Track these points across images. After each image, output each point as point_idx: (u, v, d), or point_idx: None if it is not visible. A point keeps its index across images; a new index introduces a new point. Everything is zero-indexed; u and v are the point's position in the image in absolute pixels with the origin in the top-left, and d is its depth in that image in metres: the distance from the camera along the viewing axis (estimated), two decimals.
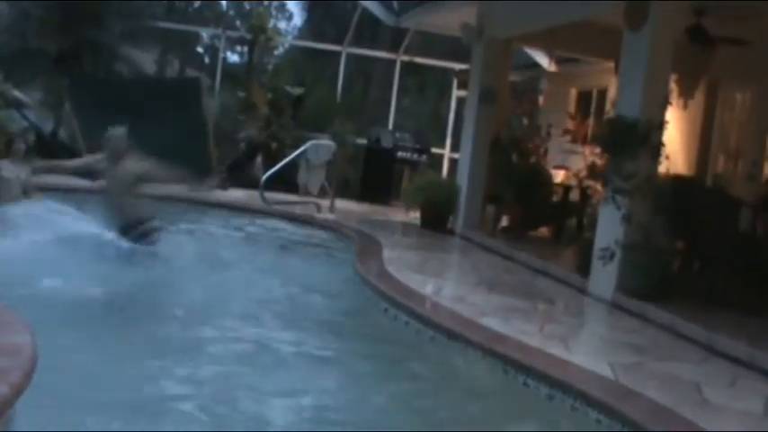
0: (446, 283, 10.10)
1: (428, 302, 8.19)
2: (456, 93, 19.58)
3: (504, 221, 13.98)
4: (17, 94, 16.80)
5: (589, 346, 7.62)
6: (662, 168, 9.57)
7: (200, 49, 23.53)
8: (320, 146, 16.05)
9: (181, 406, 5.13)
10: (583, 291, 9.60)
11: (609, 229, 9.24)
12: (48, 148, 15.19)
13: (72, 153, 12.47)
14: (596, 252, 9.38)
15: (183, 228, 11.42)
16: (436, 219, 13.98)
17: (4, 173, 10.53)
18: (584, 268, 9.77)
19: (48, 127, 16.78)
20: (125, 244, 8.68)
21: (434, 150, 19.41)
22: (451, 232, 13.85)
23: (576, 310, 9.10)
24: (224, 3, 23.30)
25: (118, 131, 9.07)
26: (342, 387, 6.01)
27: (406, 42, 19.69)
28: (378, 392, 5.93)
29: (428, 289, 8.85)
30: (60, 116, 16.54)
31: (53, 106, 17.02)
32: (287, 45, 23.13)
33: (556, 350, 6.58)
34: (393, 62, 20.12)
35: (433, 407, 5.75)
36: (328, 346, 7.07)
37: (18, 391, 3.36)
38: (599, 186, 10.43)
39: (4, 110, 16.20)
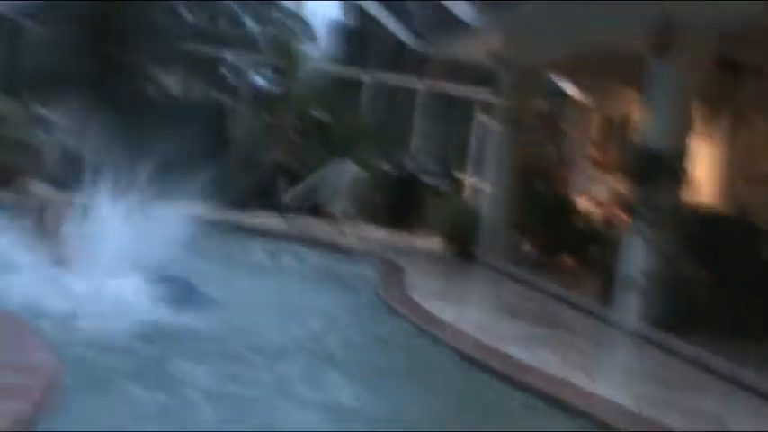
0: (468, 310, 10.04)
1: (450, 329, 8.14)
2: (480, 119, 19.56)
3: (529, 249, 13.91)
4: (45, 113, 16.93)
5: (613, 376, 7.55)
6: (686, 197, 9.51)
7: (226, 72, 23.62)
8: (344, 170, 16.05)
9: None
10: (606, 321, 9.52)
11: (634, 258, 9.18)
12: (73, 167, 15.24)
13: (97, 172, 12.49)
14: (621, 282, 9.31)
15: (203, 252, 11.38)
16: (460, 245, 13.92)
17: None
18: (608, 298, 9.70)
19: (74, 146, 16.87)
20: None
21: (458, 176, 19.37)
22: (475, 260, 13.77)
23: (599, 341, 9.02)
24: (251, 27, 23.41)
25: (59, 209, 8.93)
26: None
27: (430, 68, 19.70)
28: (394, 405, 5.95)
29: (450, 316, 8.78)
30: (86, 135, 16.63)
31: (79, 125, 17.13)
32: (312, 70, 23.21)
33: (579, 380, 6.52)
34: (417, 88, 20.14)
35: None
36: (354, 372, 7.04)
37: (38, 407, 3.33)
38: (624, 215, 10.37)
39: (32, 128, 16.32)
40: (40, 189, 10.77)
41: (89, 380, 5.36)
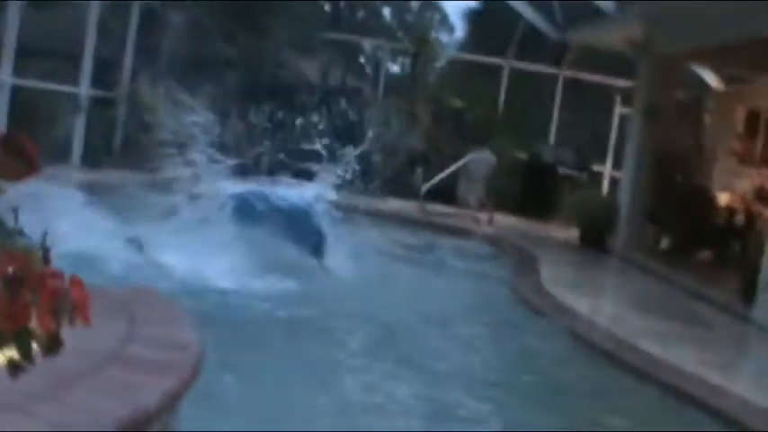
0: (602, 303, 9.93)
1: (584, 321, 8.07)
2: (619, 110, 19.26)
3: (665, 242, 13.63)
4: (186, 99, 17.39)
5: (750, 376, 7.37)
6: None
7: (362, 60, 23.85)
8: (480, 159, 16.05)
9: None
10: (746, 319, 9.25)
11: None
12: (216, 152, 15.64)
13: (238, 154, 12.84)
14: (763, 279, 9.04)
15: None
16: (594, 237, 13.73)
17: None
18: (748, 295, 9.43)
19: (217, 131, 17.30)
20: None
21: (595, 167, 19.11)
22: (610, 251, 13.57)
23: (737, 339, 8.81)
24: (387, 14, 23.59)
25: None
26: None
27: (568, 57, 19.48)
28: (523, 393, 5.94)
29: (584, 308, 8.70)
30: (226, 120, 17.04)
31: (219, 110, 17.54)
32: (449, 57, 23.24)
33: (714, 378, 6.38)
34: (555, 77, 19.93)
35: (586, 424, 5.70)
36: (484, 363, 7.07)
37: (185, 386, 3.44)
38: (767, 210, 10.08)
39: (177, 115, 16.79)
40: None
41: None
